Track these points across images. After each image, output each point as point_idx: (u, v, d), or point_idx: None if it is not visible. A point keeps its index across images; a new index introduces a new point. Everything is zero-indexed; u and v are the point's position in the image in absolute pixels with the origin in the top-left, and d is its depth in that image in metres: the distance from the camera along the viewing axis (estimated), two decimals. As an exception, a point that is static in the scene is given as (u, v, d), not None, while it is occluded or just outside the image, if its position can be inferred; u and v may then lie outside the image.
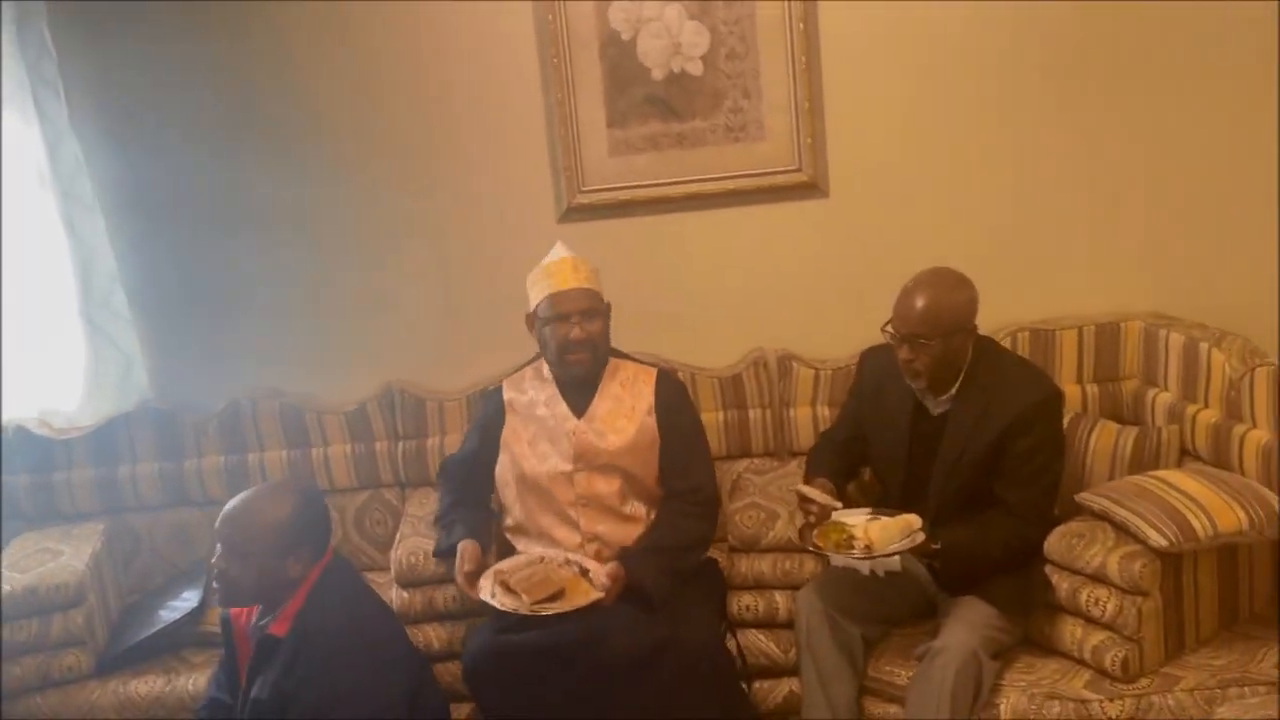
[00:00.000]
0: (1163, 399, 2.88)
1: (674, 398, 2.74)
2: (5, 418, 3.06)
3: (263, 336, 3.25)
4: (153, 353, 3.22)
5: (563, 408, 2.70)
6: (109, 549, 3.02)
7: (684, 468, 2.70)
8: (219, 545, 2.22)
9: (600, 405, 2.69)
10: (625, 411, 2.69)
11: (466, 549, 2.58)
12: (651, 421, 2.69)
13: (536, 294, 2.67)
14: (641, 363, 2.81)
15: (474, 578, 2.52)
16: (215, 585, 2.25)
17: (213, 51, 3.07)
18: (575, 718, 2.44)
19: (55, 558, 2.87)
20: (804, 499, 2.50)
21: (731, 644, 2.66)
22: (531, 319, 2.70)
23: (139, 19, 3.04)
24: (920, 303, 2.42)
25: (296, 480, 2.30)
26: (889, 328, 2.48)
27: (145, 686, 2.73)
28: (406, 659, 2.31)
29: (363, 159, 3.15)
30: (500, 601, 2.43)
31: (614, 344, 2.77)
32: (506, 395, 2.77)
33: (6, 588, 2.73)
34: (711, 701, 2.45)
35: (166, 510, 3.18)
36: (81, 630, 2.76)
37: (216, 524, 2.24)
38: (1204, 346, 2.74)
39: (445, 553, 2.65)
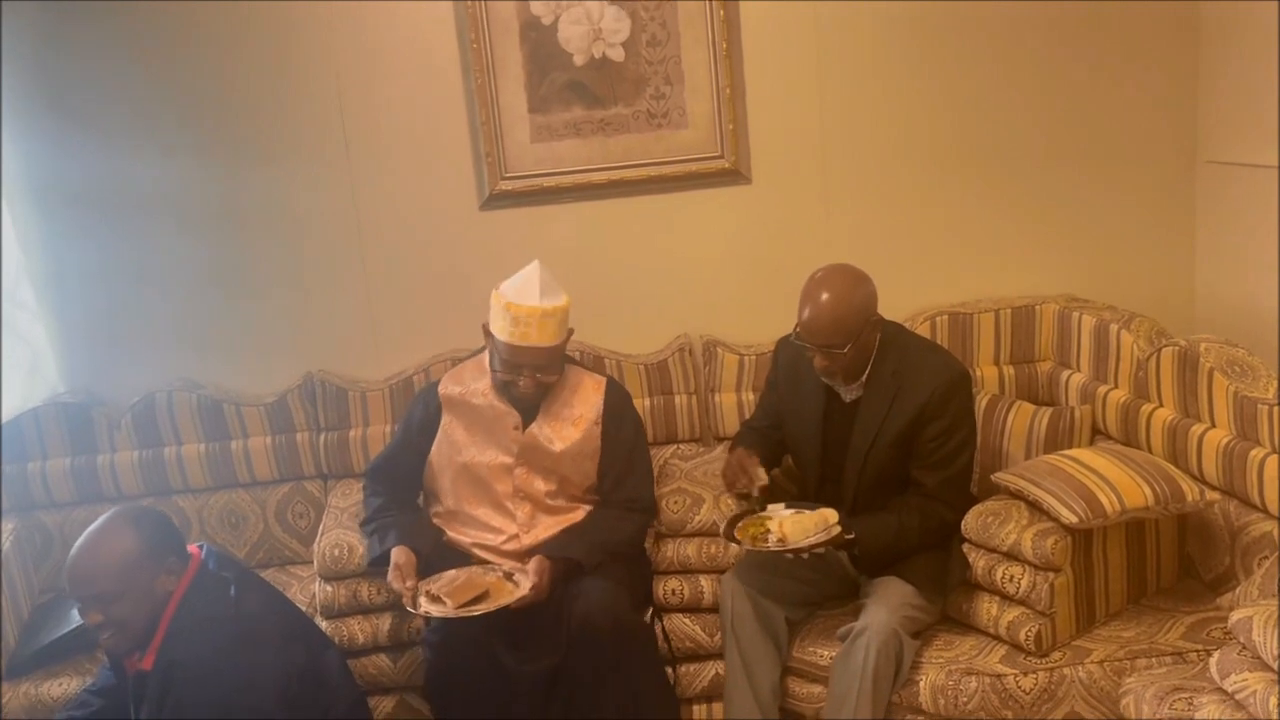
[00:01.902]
0: (1076, 380, 2.95)
1: (620, 409, 2.74)
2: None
3: (178, 328, 3.18)
4: (63, 346, 3.13)
5: (505, 404, 2.66)
6: (18, 548, 2.91)
7: (621, 477, 2.70)
8: (82, 604, 2.16)
9: (549, 409, 2.68)
10: (573, 418, 2.68)
11: (400, 558, 2.54)
12: (596, 431, 2.69)
13: (497, 325, 2.55)
14: (589, 370, 2.81)
15: (413, 588, 2.48)
16: (102, 641, 2.18)
17: (118, 37, 2.98)
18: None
19: (-40, 558, 2.77)
20: (735, 470, 2.52)
21: (658, 629, 2.67)
22: (486, 331, 2.63)
23: (39, 5, 2.93)
24: (825, 314, 2.41)
25: (121, 510, 2.22)
26: (799, 339, 2.48)
27: (59, 688, 2.65)
28: (284, 654, 2.21)
29: (279, 145, 3.08)
30: (426, 609, 2.42)
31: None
32: (443, 389, 2.73)
33: (-93, 590, 2.65)
34: (616, 648, 2.46)
35: (80, 507, 3.09)
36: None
37: (68, 586, 2.15)
38: (1114, 328, 2.81)
39: (379, 560, 2.60)
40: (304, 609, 2.85)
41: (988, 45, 3.07)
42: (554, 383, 2.64)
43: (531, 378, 2.57)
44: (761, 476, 2.53)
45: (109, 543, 2.13)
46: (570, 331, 2.65)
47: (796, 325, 2.47)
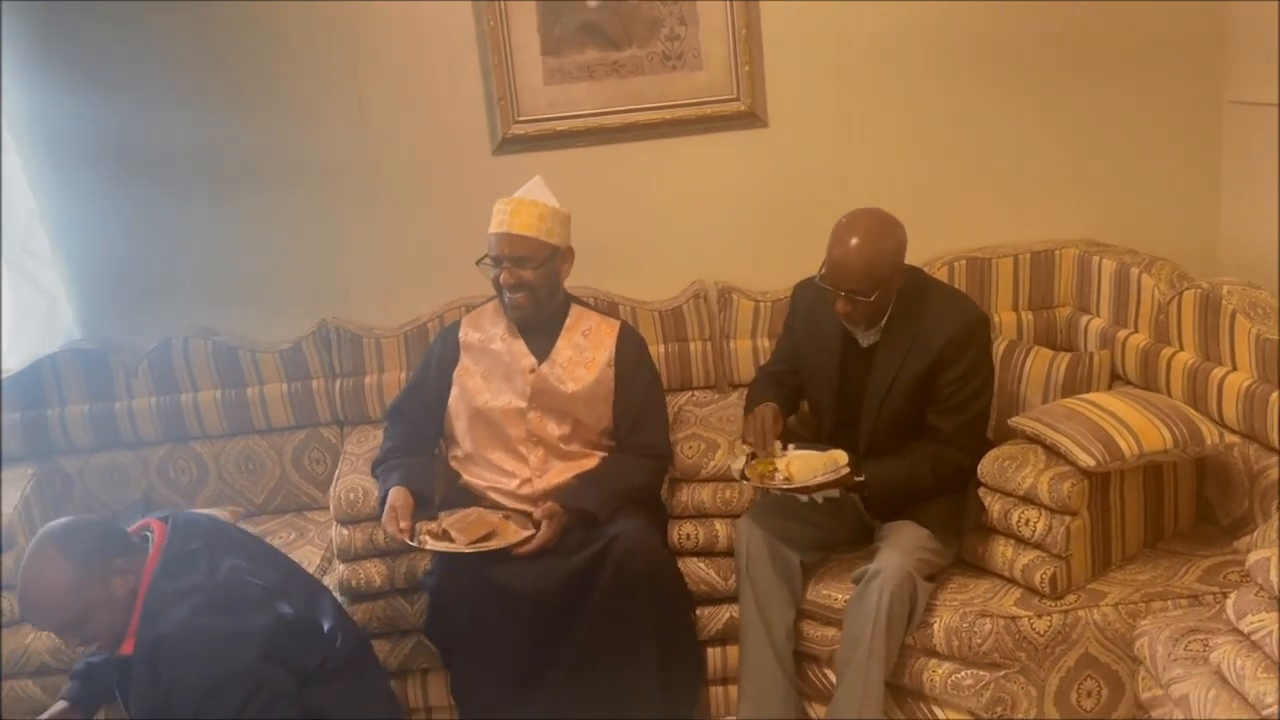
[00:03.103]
0: (1095, 325, 2.92)
1: (634, 353, 2.74)
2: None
3: (194, 275, 3.17)
4: (79, 293, 3.14)
5: (520, 345, 2.68)
6: (39, 492, 2.95)
7: (636, 423, 2.70)
8: (52, 633, 2.17)
9: (562, 351, 2.68)
10: (585, 360, 2.68)
11: (395, 499, 2.53)
12: (610, 374, 2.69)
13: (490, 225, 2.63)
14: (605, 315, 2.80)
15: (407, 529, 2.49)
16: (87, 650, 2.20)
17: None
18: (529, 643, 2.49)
19: (-18, 503, 2.81)
20: (758, 433, 2.52)
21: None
22: None
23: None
24: (854, 259, 2.38)
25: (43, 538, 2.10)
26: (824, 281, 2.45)
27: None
28: (264, 609, 2.18)
29: (291, 91, 3.05)
30: (433, 546, 2.44)
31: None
32: (463, 335, 2.75)
33: (-69, 533, 2.68)
34: (649, 596, 2.48)
35: (98, 453, 3.11)
36: (12, 574, 2.70)
37: (30, 622, 2.18)
38: (1134, 272, 2.78)
39: (383, 502, 2.60)
40: (321, 553, 2.90)
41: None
42: (534, 282, 2.60)
43: (510, 271, 2.58)
44: (776, 449, 2.51)
45: (45, 577, 2.06)
46: (567, 252, 2.64)
47: (822, 266, 2.44)
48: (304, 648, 2.23)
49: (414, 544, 2.47)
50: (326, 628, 2.32)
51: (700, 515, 2.74)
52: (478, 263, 2.65)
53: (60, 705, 2.32)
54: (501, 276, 2.61)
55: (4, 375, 3.01)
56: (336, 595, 2.68)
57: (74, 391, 3.10)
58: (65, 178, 3.07)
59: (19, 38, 2.95)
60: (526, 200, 2.61)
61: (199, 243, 3.15)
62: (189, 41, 3.01)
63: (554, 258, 2.63)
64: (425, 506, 2.59)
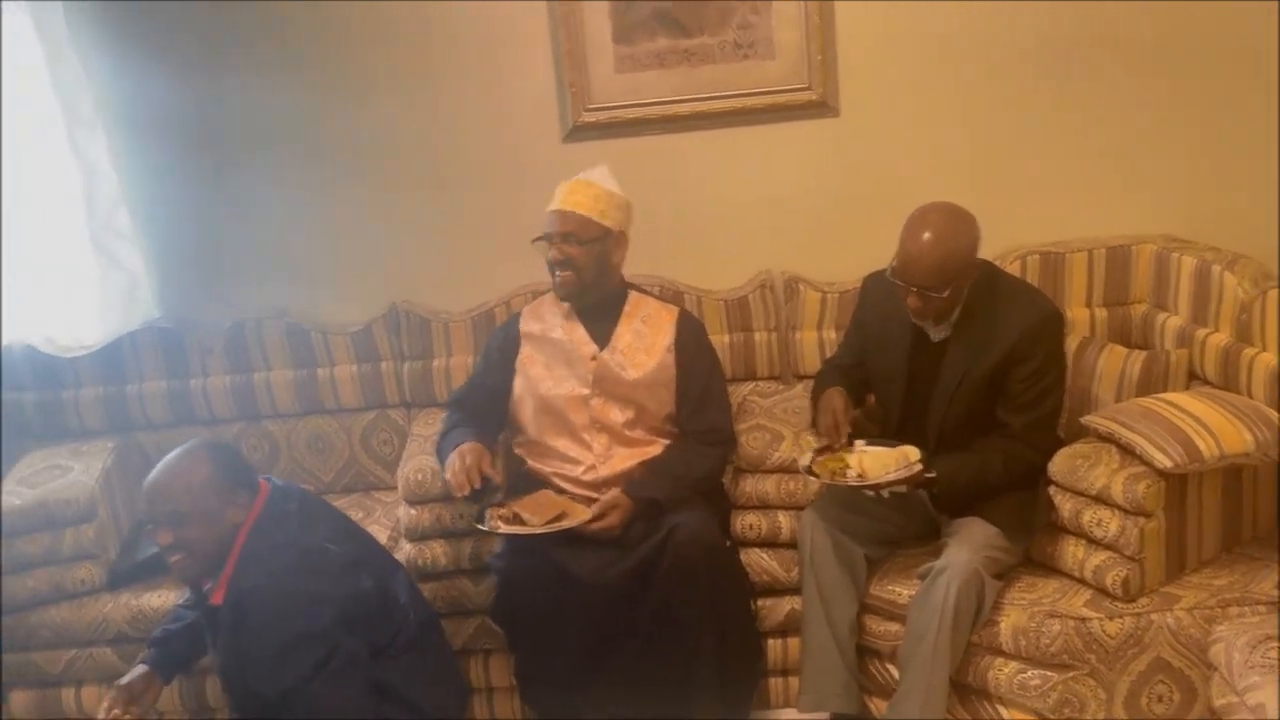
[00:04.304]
0: (1172, 323, 2.85)
1: (694, 338, 2.75)
2: (11, 338, 3.08)
3: (269, 256, 3.23)
4: (158, 272, 3.21)
5: (581, 333, 2.70)
6: (119, 466, 3.03)
7: (699, 407, 2.70)
8: (154, 525, 2.24)
9: (622, 337, 2.70)
10: (645, 346, 2.69)
11: (468, 447, 2.53)
12: (670, 359, 2.69)
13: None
14: (664, 301, 2.81)
15: (473, 468, 2.47)
16: (173, 564, 2.26)
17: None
18: (593, 634, 2.52)
19: (64, 474, 2.89)
20: (830, 422, 2.52)
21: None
22: None
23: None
24: (926, 255, 2.35)
25: (200, 440, 2.32)
26: (895, 276, 2.42)
27: (158, 599, 2.77)
28: (345, 578, 2.26)
29: (366, 75, 3.09)
30: (506, 530, 2.47)
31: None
32: (523, 326, 2.77)
33: (16, 502, 2.77)
34: (709, 586, 2.49)
35: (174, 429, 3.18)
36: (92, 544, 2.80)
37: (144, 505, 2.24)
38: (1216, 270, 2.71)
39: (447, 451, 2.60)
40: (387, 533, 2.95)
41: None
42: (579, 260, 2.60)
43: (559, 247, 2.61)
44: (844, 437, 2.51)
45: (185, 466, 2.23)
46: (620, 236, 2.65)
47: (893, 261, 2.42)
48: (378, 621, 2.30)
49: (484, 528, 2.50)
50: (400, 603, 2.38)
51: (764, 506, 2.73)
52: (534, 240, 2.67)
53: (140, 669, 2.40)
54: (550, 253, 2.64)
55: (86, 351, 3.09)
56: (404, 574, 2.74)
57: (152, 369, 3.18)
58: (147, 157, 3.14)
59: (101, 17, 3.01)
60: (584, 180, 2.65)
61: (273, 223, 3.21)
62: (265, 20, 3.05)
63: (604, 239, 2.64)
64: (489, 488, 2.59)
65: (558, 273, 2.65)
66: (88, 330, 3.08)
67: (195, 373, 3.19)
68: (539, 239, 2.66)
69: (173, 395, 3.17)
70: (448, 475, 2.52)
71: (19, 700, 2.82)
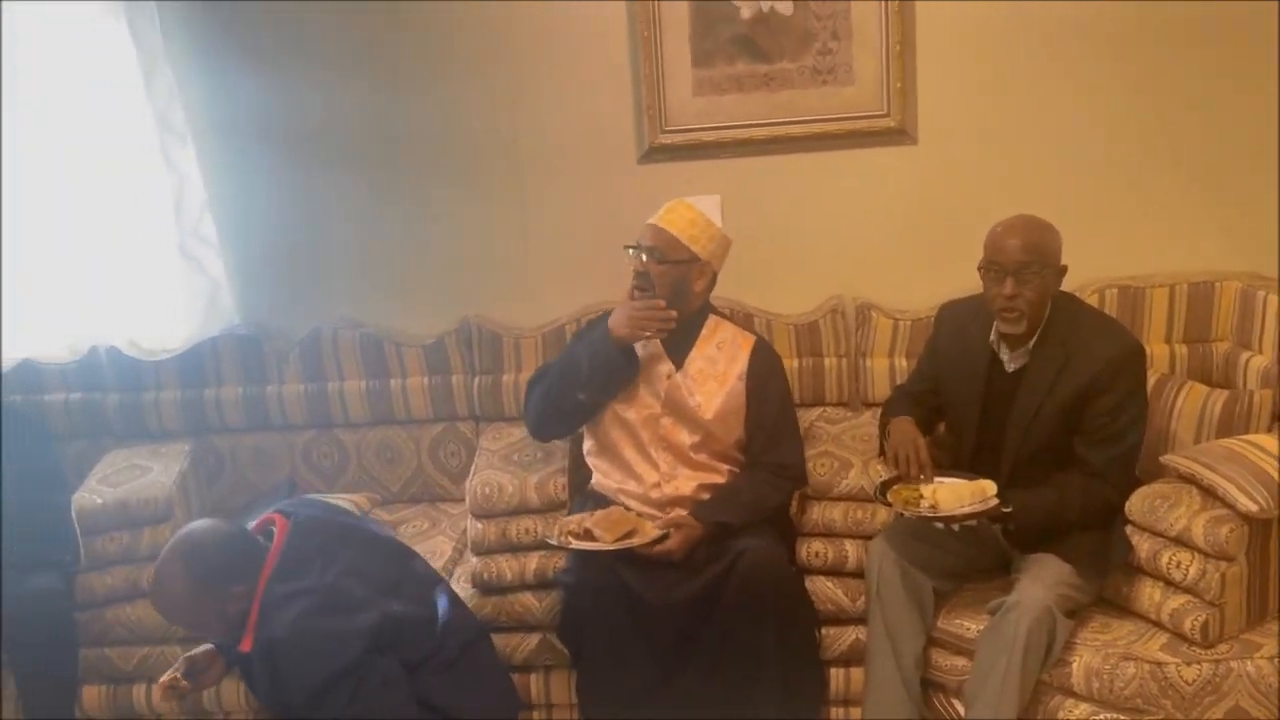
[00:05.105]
0: (1256, 362, 2.79)
1: (767, 368, 2.73)
2: (97, 340, 3.18)
3: (346, 267, 3.29)
4: (240, 279, 3.28)
5: (658, 350, 2.70)
6: (195, 468, 3.11)
7: (770, 440, 2.69)
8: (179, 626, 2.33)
9: (694, 362, 2.70)
10: (717, 374, 2.69)
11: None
12: (741, 387, 2.68)
13: None
14: (741, 328, 2.81)
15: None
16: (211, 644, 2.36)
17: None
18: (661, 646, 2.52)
19: (144, 474, 2.97)
20: (909, 452, 2.49)
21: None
22: None
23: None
24: (1019, 235, 2.38)
25: (177, 545, 2.22)
26: (985, 265, 2.42)
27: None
28: (373, 606, 2.25)
29: (450, 90, 3.13)
30: (578, 545, 2.49)
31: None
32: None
33: (99, 500, 2.84)
34: (773, 612, 2.49)
35: (249, 433, 3.26)
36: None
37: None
38: (1304, 309, 2.65)
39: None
40: (452, 545, 2.98)
41: (1170, 11, 2.90)
42: (657, 277, 2.61)
43: (640, 260, 2.62)
44: (930, 474, 2.48)
45: (168, 583, 2.20)
46: (708, 268, 2.65)
47: (981, 261, 2.42)
48: (412, 639, 2.30)
49: (555, 542, 2.51)
50: (439, 620, 2.39)
51: (830, 534, 2.71)
52: (626, 246, 2.68)
53: (206, 646, 2.43)
54: (635, 264, 2.65)
55: (168, 355, 3.17)
56: (468, 587, 2.76)
57: (230, 374, 3.25)
58: (233, 166, 3.21)
59: (195, 29, 3.09)
60: (685, 203, 2.66)
61: (351, 235, 3.27)
62: (352, 36, 3.10)
63: (688, 264, 2.63)
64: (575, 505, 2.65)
65: (634, 283, 2.66)
66: (170, 334, 3.17)
67: (271, 379, 3.25)
68: (631, 246, 2.67)
69: (248, 401, 3.24)
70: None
71: (91, 696, 2.88)
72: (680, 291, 2.65)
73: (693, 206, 2.65)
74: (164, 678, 2.33)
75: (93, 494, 2.87)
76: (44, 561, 2.78)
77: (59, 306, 3.13)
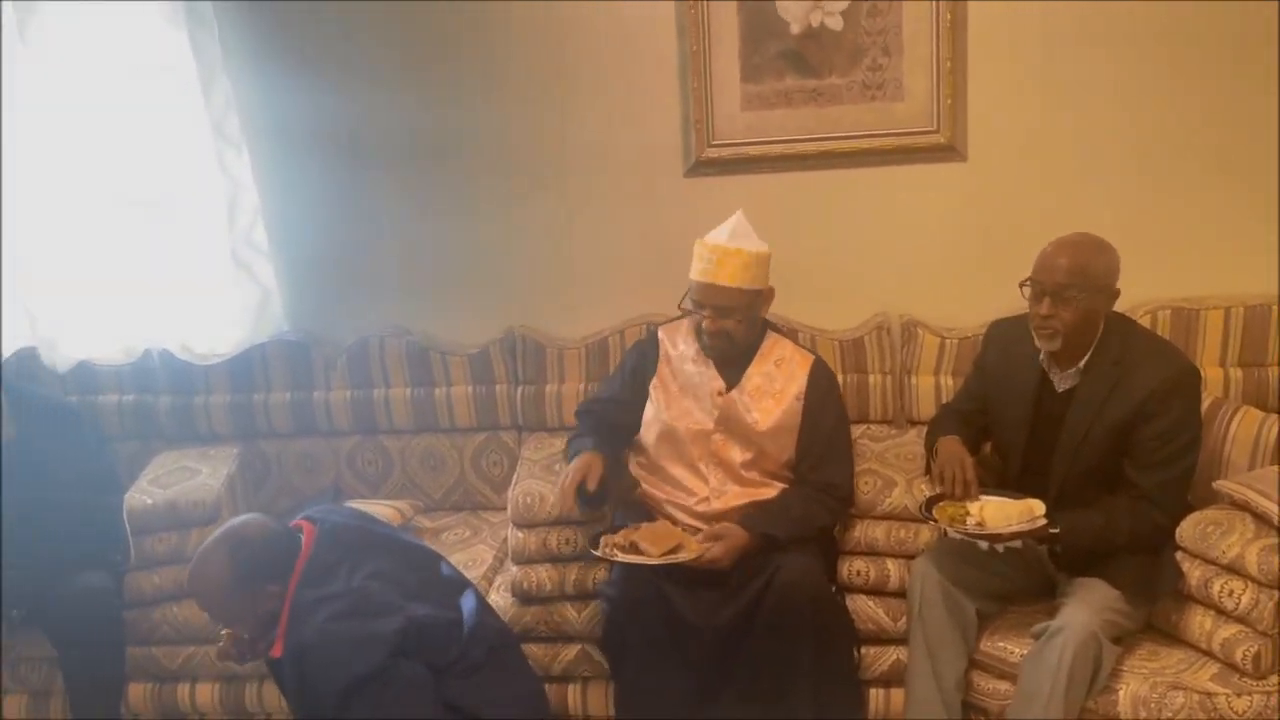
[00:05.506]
0: (1314, 388, 2.73)
1: (825, 390, 2.72)
2: (150, 343, 3.25)
3: (394, 274, 3.32)
4: (289, 286, 3.33)
5: (710, 369, 2.70)
6: (242, 472, 3.16)
7: (820, 461, 2.68)
8: (208, 614, 2.36)
9: (751, 380, 2.69)
10: (774, 392, 2.68)
11: (590, 460, 2.60)
12: (798, 408, 2.68)
13: (693, 264, 2.64)
14: (800, 346, 2.81)
15: (585, 490, 2.54)
16: (219, 651, 2.38)
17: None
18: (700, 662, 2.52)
19: (193, 476, 3.02)
20: (955, 471, 2.47)
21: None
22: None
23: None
24: (1067, 255, 2.35)
25: (225, 534, 2.28)
26: (1028, 283, 2.40)
27: (271, 604, 2.86)
28: (397, 612, 2.26)
29: (501, 101, 3.15)
30: (624, 558, 2.48)
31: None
32: (662, 345, 2.79)
33: (149, 501, 2.90)
34: (810, 630, 2.47)
35: (296, 438, 3.31)
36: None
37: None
38: (1366, 335, 2.58)
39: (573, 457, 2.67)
40: (493, 553, 3.00)
41: (1224, 28, 2.86)
42: (734, 331, 2.62)
43: (713, 320, 2.60)
44: (975, 493, 2.45)
45: (208, 570, 2.25)
46: (768, 292, 2.65)
47: (1031, 272, 2.40)
48: (437, 644, 2.32)
49: (600, 554, 2.51)
50: (465, 624, 2.39)
51: (872, 553, 2.69)
52: (680, 306, 2.68)
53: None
54: (704, 324, 2.63)
55: (219, 360, 3.23)
56: (508, 595, 2.77)
57: (279, 380, 3.30)
58: (285, 175, 3.26)
59: (246, 36, 3.13)
60: (732, 249, 2.58)
61: (399, 244, 3.30)
62: (420, 51, 3.13)
63: (756, 300, 2.65)
64: (599, 500, 2.63)
65: (708, 339, 2.65)
66: (221, 339, 3.23)
67: (319, 385, 3.30)
68: (685, 304, 2.66)
69: (296, 406, 3.29)
70: (562, 485, 2.60)
71: (137, 693, 2.93)
72: (754, 325, 2.69)
73: (739, 250, 2.58)
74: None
75: (143, 494, 2.92)
76: (95, 560, 2.84)
77: (116, 310, 3.20)
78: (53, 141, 3.07)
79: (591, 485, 2.56)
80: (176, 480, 2.99)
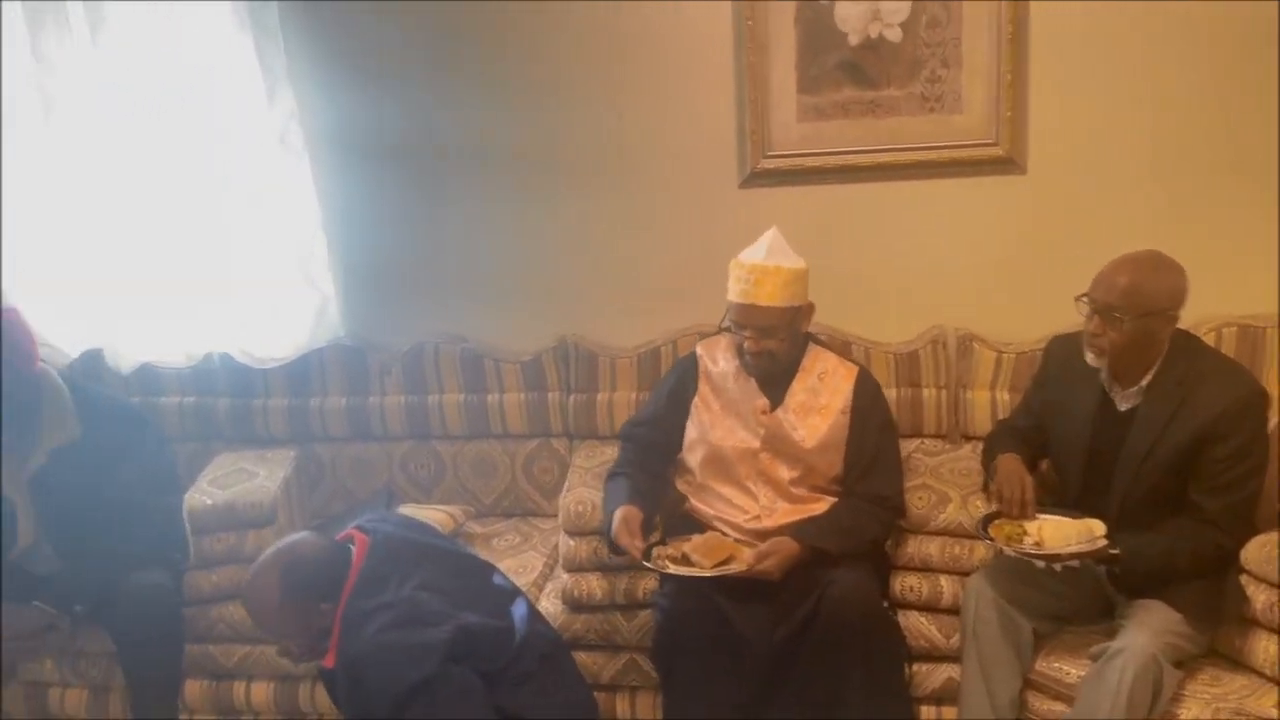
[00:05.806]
0: (1386, 410, 2.66)
1: (871, 402, 2.71)
2: (212, 347, 3.31)
3: (449, 281, 3.35)
4: (347, 292, 3.38)
5: (752, 386, 2.70)
6: (298, 474, 3.21)
7: (867, 472, 2.67)
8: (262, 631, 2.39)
9: (795, 396, 2.68)
10: (819, 407, 2.67)
11: (627, 515, 2.59)
12: (844, 421, 2.67)
13: (730, 285, 2.63)
14: (842, 357, 2.79)
15: (639, 545, 2.55)
16: (279, 652, 2.39)
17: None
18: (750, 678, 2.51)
19: (251, 478, 3.07)
20: (1016, 489, 2.45)
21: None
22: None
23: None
24: (1124, 276, 2.31)
25: (277, 554, 2.29)
26: (1084, 297, 2.37)
27: (325, 605, 2.89)
28: (447, 621, 2.27)
29: (557, 112, 3.17)
30: (675, 570, 2.49)
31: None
32: (702, 365, 2.79)
33: (208, 501, 2.95)
34: (861, 645, 2.46)
35: (350, 442, 3.35)
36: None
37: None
38: None
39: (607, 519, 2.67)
40: (543, 560, 3.01)
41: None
42: (777, 350, 2.61)
43: (755, 340, 2.58)
44: (1033, 512, 2.42)
45: (260, 592, 2.26)
46: (807, 308, 2.64)
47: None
48: (488, 651, 2.33)
49: (652, 566, 2.52)
50: (515, 633, 2.41)
51: (925, 569, 2.67)
52: (720, 326, 2.68)
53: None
54: (746, 344, 2.62)
55: (277, 364, 3.28)
56: (558, 603, 2.79)
57: (335, 384, 3.35)
58: (346, 185, 3.30)
59: (309, 48, 3.17)
60: (770, 267, 2.56)
61: (455, 251, 3.33)
62: (479, 61, 3.15)
63: (797, 317, 2.64)
64: (647, 528, 2.64)
65: (750, 358, 2.64)
66: (280, 344, 3.28)
67: (374, 390, 3.33)
68: (725, 324, 2.66)
69: (351, 411, 3.33)
70: (617, 537, 2.58)
71: (194, 690, 2.98)
72: (796, 340, 2.68)
73: (777, 268, 2.56)
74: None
75: (203, 495, 2.98)
76: (156, 558, 2.89)
77: (178, 314, 3.26)
78: (118, 146, 3.14)
79: (638, 541, 2.55)
80: (235, 481, 3.05)
